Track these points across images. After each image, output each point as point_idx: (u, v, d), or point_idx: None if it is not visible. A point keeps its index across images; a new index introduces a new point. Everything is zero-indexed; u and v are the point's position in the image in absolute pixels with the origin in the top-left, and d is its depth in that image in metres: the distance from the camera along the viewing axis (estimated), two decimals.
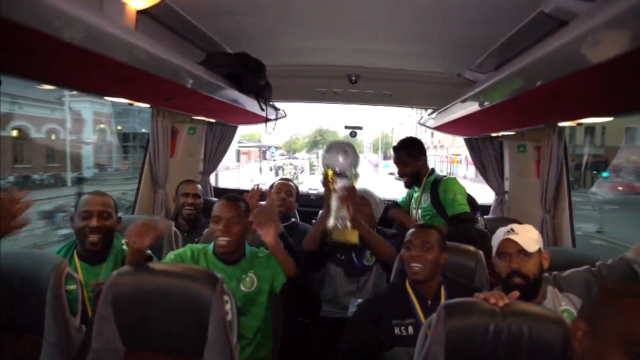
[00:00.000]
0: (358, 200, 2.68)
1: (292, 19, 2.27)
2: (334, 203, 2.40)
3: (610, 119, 2.12)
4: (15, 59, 1.41)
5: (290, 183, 3.10)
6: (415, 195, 3.04)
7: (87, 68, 1.61)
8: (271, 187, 3.10)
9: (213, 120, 3.57)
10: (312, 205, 3.90)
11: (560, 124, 2.71)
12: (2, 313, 1.70)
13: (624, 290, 1.15)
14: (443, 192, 2.78)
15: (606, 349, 1.03)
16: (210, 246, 2.12)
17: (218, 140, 3.95)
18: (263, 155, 37.47)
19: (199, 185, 3.16)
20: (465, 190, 2.84)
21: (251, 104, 2.74)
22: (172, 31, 2.27)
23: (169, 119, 3.47)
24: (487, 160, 3.79)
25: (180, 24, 2.20)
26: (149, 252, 1.81)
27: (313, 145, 44.41)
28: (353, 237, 2.36)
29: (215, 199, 3.71)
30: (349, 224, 2.37)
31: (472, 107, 2.41)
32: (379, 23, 2.26)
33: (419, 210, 2.95)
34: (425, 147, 2.99)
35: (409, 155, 2.91)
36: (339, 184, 2.40)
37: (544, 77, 1.53)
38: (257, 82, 2.55)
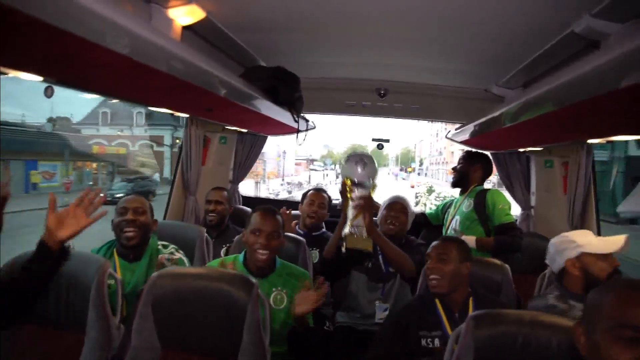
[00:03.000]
0: (398, 207, 2.79)
1: (323, 35, 2.34)
2: (351, 212, 2.47)
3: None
4: (64, 67, 1.50)
5: (324, 194, 3.15)
6: (456, 201, 3.18)
7: (134, 79, 1.71)
8: (304, 197, 3.16)
9: (244, 130, 3.66)
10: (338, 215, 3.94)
11: (589, 141, 2.71)
12: (48, 310, 1.80)
13: (611, 282, 1.21)
14: (491, 202, 2.90)
15: (602, 342, 1.04)
16: (241, 257, 2.15)
17: (248, 150, 4.04)
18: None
19: (225, 193, 3.21)
20: (510, 203, 2.96)
21: (283, 115, 2.81)
22: (212, 45, 2.37)
23: (202, 128, 3.57)
24: (513, 175, 3.79)
25: (220, 39, 2.29)
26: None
27: (346, 159, 46.72)
28: (367, 245, 2.45)
29: (244, 207, 3.81)
30: (364, 232, 2.44)
31: (500, 123, 2.44)
32: (408, 38, 2.30)
33: (457, 217, 3.05)
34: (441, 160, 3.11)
35: (467, 158, 3.15)
36: (357, 193, 2.48)
37: (574, 97, 1.56)
38: (292, 94, 2.63)
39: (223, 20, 2.09)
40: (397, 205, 2.83)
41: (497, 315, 1.51)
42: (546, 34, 1.95)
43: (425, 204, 16.63)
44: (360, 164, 2.50)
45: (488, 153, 3.49)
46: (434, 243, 2.08)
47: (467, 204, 3.04)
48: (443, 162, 41.54)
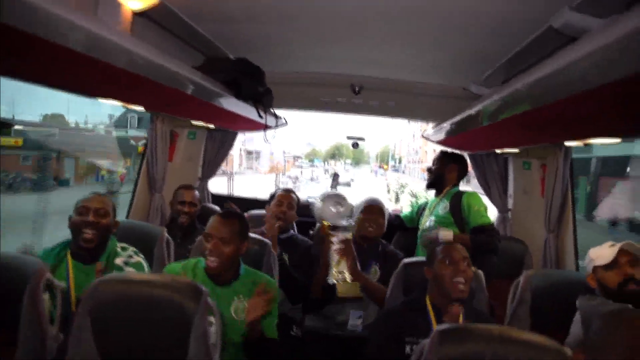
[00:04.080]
0: (376, 210, 2.76)
1: (295, 27, 2.22)
2: (332, 257, 2.43)
3: (618, 140, 2.06)
4: (10, 61, 1.39)
5: (292, 195, 2.99)
6: (430, 204, 3.13)
7: (80, 71, 1.58)
8: (271, 197, 3.01)
9: (212, 126, 3.51)
10: (311, 215, 3.84)
11: (566, 143, 2.65)
12: None
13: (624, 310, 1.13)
14: (467, 205, 2.87)
15: None
16: (203, 261, 2.02)
17: (218, 146, 3.90)
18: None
19: (197, 192, 3.09)
20: (486, 206, 2.95)
21: (250, 111, 2.68)
22: (171, 33, 2.22)
23: (168, 123, 3.41)
24: (490, 177, 3.71)
25: (179, 26, 2.15)
26: None
27: (331, 157, 57.07)
28: (356, 291, 2.41)
29: (213, 206, 3.67)
30: (348, 277, 2.41)
31: (476, 122, 2.35)
32: (384, 33, 2.20)
33: (432, 217, 3.00)
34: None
35: (442, 158, 3.12)
36: (336, 237, 2.45)
37: (550, 96, 1.48)
38: (256, 88, 2.49)
39: (181, 7, 1.94)
40: (375, 207, 2.78)
41: (464, 331, 1.41)
42: (524, 30, 1.86)
43: (396, 193, 21.07)
44: (336, 205, 2.49)
45: (465, 154, 3.42)
46: (453, 248, 2.00)
47: (442, 206, 2.99)
48: (419, 161, 43.82)
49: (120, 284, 1.56)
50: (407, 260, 2.41)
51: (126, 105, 2.21)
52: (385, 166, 53.29)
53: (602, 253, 1.98)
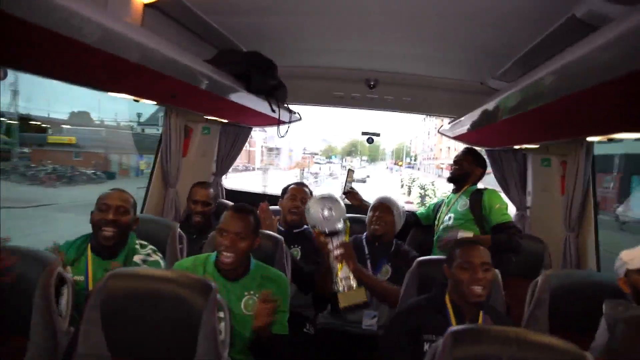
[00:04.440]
0: (382, 207, 2.71)
1: (309, 20, 2.18)
2: (333, 265, 2.33)
3: None
4: (19, 53, 1.38)
5: (305, 189, 2.94)
6: (447, 200, 3.08)
7: (91, 65, 1.57)
8: (284, 192, 2.97)
9: (225, 121, 3.49)
10: None
11: (588, 139, 2.57)
12: None
13: None
14: (488, 203, 2.83)
15: None
16: (213, 256, 2.00)
17: (232, 141, 3.87)
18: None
19: (212, 190, 3.04)
20: (506, 204, 2.91)
21: (262, 106, 2.65)
22: (182, 26, 2.21)
23: (183, 117, 3.41)
24: (509, 173, 3.61)
25: (191, 19, 2.13)
26: None
27: (347, 153, 57.99)
28: (361, 296, 2.30)
29: (228, 202, 3.65)
30: (353, 283, 2.31)
31: (494, 117, 2.29)
32: (399, 27, 2.16)
33: (451, 215, 2.95)
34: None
35: (470, 156, 3.03)
36: (332, 244, 2.34)
37: (571, 87, 1.40)
38: (267, 82, 2.45)
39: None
40: (382, 205, 2.74)
41: (479, 332, 1.36)
42: (546, 20, 1.80)
43: (409, 187, 22.48)
44: (325, 209, 2.35)
45: (482, 150, 3.35)
46: (470, 250, 1.93)
47: (462, 203, 2.94)
48: (434, 158, 44.69)
49: (131, 278, 1.55)
50: (421, 258, 2.36)
51: (137, 99, 2.19)
52: (400, 163, 54.12)
53: (637, 255, 1.90)
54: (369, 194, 2.82)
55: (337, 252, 2.32)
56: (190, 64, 1.82)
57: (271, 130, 3.21)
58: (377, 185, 30.48)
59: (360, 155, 59.63)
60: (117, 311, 1.48)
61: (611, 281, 2.07)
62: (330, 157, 56.62)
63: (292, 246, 2.72)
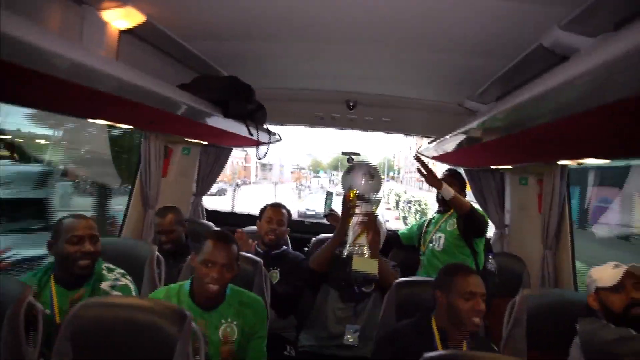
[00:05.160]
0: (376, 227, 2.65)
1: (287, 44, 2.20)
2: (352, 229, 2.29)
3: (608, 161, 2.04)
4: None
5: (282, 210, 2.91)
6: (435, 219, 3.09)
7: (67, 96, 1.57)
8: (261, 213, 2.95)
9: (205, 142, 3.49)
10: (305, 231, 3.81)
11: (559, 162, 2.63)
12: None
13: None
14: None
15: None
16: (187, 284, 1.96)
17: (212, 161, 3.86)
18: None
19: (174, 216, 2.88)
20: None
21: (241, 129, 2.65)
22: (160, 51, 2.21)
23: (162, 138, 3.39)
24: (487, 192, 3.66)
25: (168, 45, 2.13)
26: None
27: (333, 168, 55.38)
28: (373, 268, 2.25)
29: (206, 222, 3.62)
30: (366, 252, 2.26)
31: (470, 139, 2.32)
32: (377, 50, 2.18)
33: (441, 234, 2.97)
34: None
35: (455, 178, 3.04)
36: (361, 208, 2.29)
37: (540, 117, 1.45)
38: (245, 106, 2.45)
39: (170, 25, 1.93)
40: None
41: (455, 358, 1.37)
42: (516, 48, 1.84)
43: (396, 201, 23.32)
44: (367, 175, 2.33)
45: (461, 169, 3.39)
46: (474, 281, 1.91)
47: (450, 223, 2.97)
48: (415, 172, 46.76)
49: (102, 308, 1.53)
50: (401, 280, 2.36)
51: (114, 125, 2.18)
52: (383, 176, 54.58)
53: (606, 274, 1.93)
54: None
55: (361, 218, 2.29)
56: (167, 93, 1.82)
57: (264, 147, 3.20)
58: None
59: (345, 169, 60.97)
60: (89, 342, 1.47)
61: (585, 300, 2.10)
62: (318, 172, 58.17)
63: (271, 268, 2.69)
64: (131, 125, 2.29)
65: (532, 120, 1.57)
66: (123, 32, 1.83)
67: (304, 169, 58.25)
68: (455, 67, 2.32)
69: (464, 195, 2.99)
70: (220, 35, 2.08)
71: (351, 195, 2.31)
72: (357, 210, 2.30)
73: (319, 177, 52.68)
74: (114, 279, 2.06)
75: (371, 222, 2.31)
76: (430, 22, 1.72)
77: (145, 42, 2.07)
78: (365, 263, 2.24)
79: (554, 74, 1.27)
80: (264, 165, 47.17)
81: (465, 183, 3.12)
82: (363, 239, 2.28)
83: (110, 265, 2.13)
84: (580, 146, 1.73)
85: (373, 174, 2.34)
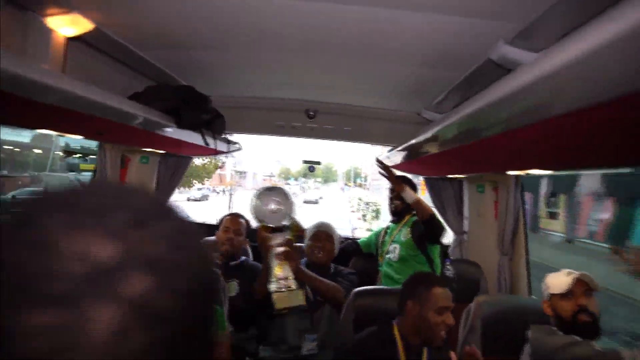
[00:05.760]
0: (323, 236, 2.72)
1: (245, 54, 2.18)
2: (272, 262, 2.21)
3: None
4: None
5: (240, 220, 2.90)
6: (390, 230, 3.13)
7: (10, 106, 1.49)
8: (220, 222, 2.93)
9: (163, 152, 3.42)
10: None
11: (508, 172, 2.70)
12: None
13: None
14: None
15: None
16: None
17: (172, 171, 3.77)
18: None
19: None
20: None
21: (197, 138, 2.61)
22: (112, 58, 2.15)
23: (118, 147, 3.29)
24: (446, 200, 3.72)
25: (121, 52, 2.08)
26: None
27: (303, 175, 61.10)
28: (298, 299, 2.19)
29: None
30: (292, 284, 2.19)
31: (425, 148, 2.36)
32: (333, 61, 2.19)
33: (396, 245, 3.00)
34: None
35: (411, 187, 3.00)
36: (276, 240, 2.22)
37: (485, 129, 1.49)
38: (199, 117, 2.41)
39: (121, 32, 1.88)
40: (322, 234, 2.76)
41: None
42: (467, 61, 1.89)
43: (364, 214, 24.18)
44: (273, 203, 2.25)
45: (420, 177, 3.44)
46: (444, 295, 1.94)
47: (404, 233, 3.01)
48: (380, 179, 49.41)
49: None
50: (359, 289, 2.37)
51: (62, 134, 2.11)
52: (349, 184, 58.61)
53: (559, 281, 1.98)
54: (322, 215, 2.83)
55: (280, 249, 2.21)
56: (116, 104, 1.76)
57: (239, 154, 3.16)
58: (329, 205, 31.03)
59: (314, 177, 61.78)
60: None
61: (538, 306, 2.16)
62: (288, 179, 60.35)
63: (229, 279, 2.66)
64: (80, 135, 2.22)
65: (478, 132, 1.61)
66: (71, 39, 1.77)
67: (274, 176, 60.54)
68: (412, 78, 2.35)
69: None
70: (175, 44, 2.05)
71: (262, 230, 2.26)
72: (273, 243, 2.24)
73: (289, 184, 53.84)
74: None
75: (290, 253, 2.25)
76: (386, 35, 1.74)
77: (96, 50, 2.01)
78: (289, 297, 2.18)
79: (498, 87, 1.31)
80: (238, 172, 49.12)
81: (416, 188, 3.15)
82: (285, 271, 2.21)
83: None
84: (526, 158, 1.78)
85: (279, 200, 2.27)
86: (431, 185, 3.73)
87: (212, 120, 2.56)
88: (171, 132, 2.34)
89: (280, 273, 2.20)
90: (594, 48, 0.78)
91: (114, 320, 0.37)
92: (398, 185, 2.79)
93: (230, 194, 20.92)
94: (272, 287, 2.18)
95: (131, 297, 0.38)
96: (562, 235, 13.40)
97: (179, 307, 0.41)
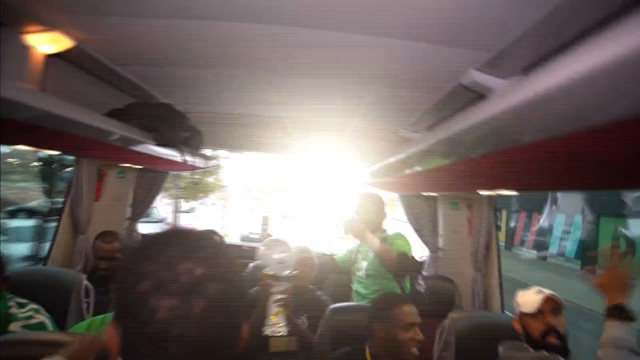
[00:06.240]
0: (309, 263, 2.73)
1: (223, 71, 2.19)
2: (270, 309, 2.34)
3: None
4: None
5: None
6: (361, 248, 3.08)
7: None
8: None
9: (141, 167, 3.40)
10: (243, 256, 3.77)
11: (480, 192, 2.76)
12: None
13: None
14: (394, 245, 2.83)
15: None
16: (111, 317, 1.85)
17: (149, 186, 3.76)
18: None
19: (118, 243, 2.86)
20: (410, 245, 2.94)
21: (174, 155, 2.61)
22: (92, 75, 2.15)
23: (96, 161, 3.26)
24: (421, 217, 3.76)
25: (100, 70, 2.07)
26: None
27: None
28: (291, 345, 2.34)
29: None
30: (284, 331, 2.33)
31: (400, 167, 2.41)
32: (312, 80, 2.23)
33: (365, 263, 2.97)
34: None
35: (380, 209, 3.04)
36: (277, 288, 2.35)
37: (457, 154, 1.54)
38: (177, 134, 2.42)
39: (101, 50, 1.88)
40: (308, 260, 2.78)
41: None
42: (440, 84, 1.95)
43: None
44: (279, 253, 2.40)
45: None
46: (411, 312, 1.99)
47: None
48: None
49: (10, 347, 1.42)
50: (335, 306, 2.39)
51: (39, 150, 2.09)
52: None
53: (529, 299, 2.00)
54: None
55: (280, 296, 2.33)
56: (94, 122, 1.77)
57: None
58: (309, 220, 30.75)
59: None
60: None
61: (510, 322, 2.21)
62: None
63: None
64: (57, 151, 2.20)
65: (451, 155, 1.66)
66: (50, 56, 1.77)
67: (252, 190, 59.94)
68: (388, 98, 2.39)
69: (385, 216, 3.06)
70: (154, 61, 2.05)
71: (265, 277, 2.39)
72: (273, 290, 2.36)
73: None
74: (26, 317, 1.85)
75: (289, 301, 2.37)
76: (362, 58, 1.78)
77: (75, 66, 2.01)
78: (283, 343, 2.34)
79: (469, 112, 1.37)
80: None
81: (383, 204, 3.15)
82: (282, 318, 2.35)
83: (23, 300, 1.91)
84: (496, 180, 1.85)
85: (285, 252, 2.42)
86: (407, 202, 3.77)
87: (189, 137, 2.57)
88: (150, 148, 2.34)
89: (277, 319, 2.34)
90: (560, 82, 0.82)
91: (202, 307, 0.70)
92: (362, 238, 2.83)
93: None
94: (267, 331, 2.33)
95: (211, 295, 0.71)
96: (502, 242, 14.17)
97: (230, 299, 0.76)
